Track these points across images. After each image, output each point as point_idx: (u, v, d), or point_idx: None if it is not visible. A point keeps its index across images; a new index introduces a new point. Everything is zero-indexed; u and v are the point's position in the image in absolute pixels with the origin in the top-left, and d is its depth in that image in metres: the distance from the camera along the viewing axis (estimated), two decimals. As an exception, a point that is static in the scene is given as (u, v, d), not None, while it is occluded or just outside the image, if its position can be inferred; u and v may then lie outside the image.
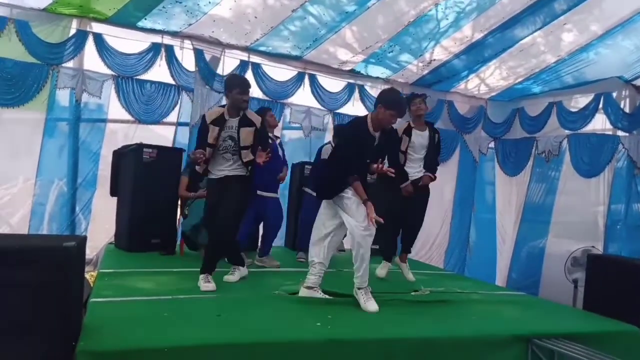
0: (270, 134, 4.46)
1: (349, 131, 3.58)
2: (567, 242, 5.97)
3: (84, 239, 2.54)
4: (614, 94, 5.96)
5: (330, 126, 6.45)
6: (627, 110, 5.92)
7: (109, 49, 5.21)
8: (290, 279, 4.00)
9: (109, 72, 5.28)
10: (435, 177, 4.51)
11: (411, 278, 4.54)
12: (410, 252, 4.74)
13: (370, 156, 3.47)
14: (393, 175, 3.50)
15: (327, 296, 3.50)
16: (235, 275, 3.95)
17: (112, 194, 5.26)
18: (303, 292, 3.49)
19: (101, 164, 5.35)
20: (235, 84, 3.65)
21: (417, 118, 4.42)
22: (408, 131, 4.38)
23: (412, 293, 3.98)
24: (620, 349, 3.26)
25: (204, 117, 3.78)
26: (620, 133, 5.98)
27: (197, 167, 3.88)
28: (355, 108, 6.57)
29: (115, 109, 5.41)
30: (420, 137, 4.40)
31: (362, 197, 3.28)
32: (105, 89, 5.29)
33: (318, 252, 3.50)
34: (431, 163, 4.48)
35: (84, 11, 4.93)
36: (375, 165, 3.47)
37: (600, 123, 6.12)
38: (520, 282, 6.58)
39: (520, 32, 5.44)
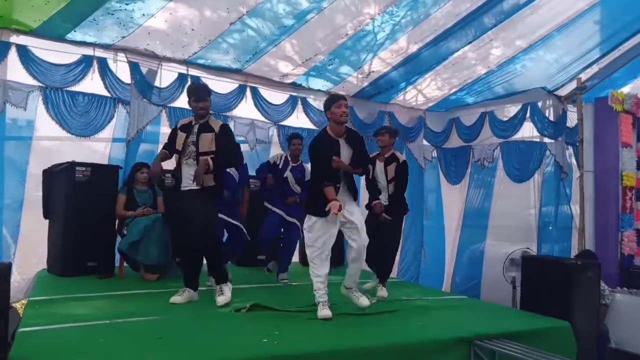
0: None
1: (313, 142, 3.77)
2: (504, 245, 6.22)
3: (8, 266, 2.36)
4: (539, 104, 6.35)
5: (276, 139, 6.41)
6: (551, 118, 6.33)
7: (34, 60, 4.85)
8: (238, 297, 3.90)
9: (35, 82, 4.92)
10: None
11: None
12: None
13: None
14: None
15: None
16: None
17: (45, 216, 4.95)
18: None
19: (29, 184, 4.98)
20: (190, 92, 3.83)
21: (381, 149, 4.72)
22: (372, 160, 4.63)
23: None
24: (555, 344, 3.47)
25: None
26: (547, 140, 6.37)
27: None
28: (299, 120, 6.57)
29: (46, 126, 5.06)
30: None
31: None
32: (32, 101, 4.91)
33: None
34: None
35: (4, 22, 4.62)
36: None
37: (528, 131, 6.48)
38: (463, 285, 6.81)
39: (453, 44, 5.69)
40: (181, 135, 3.73)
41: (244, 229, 4.77)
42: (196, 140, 3.68)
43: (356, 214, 3.68)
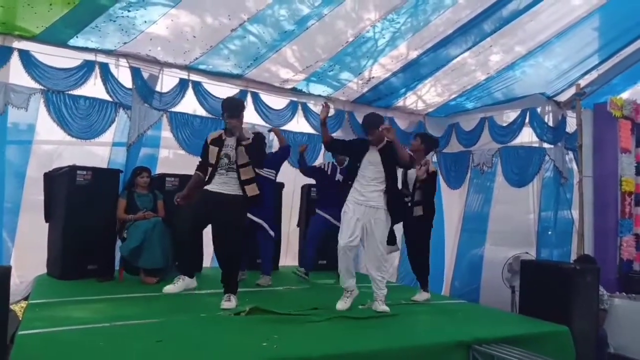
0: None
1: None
2: (503, 249, 6.20)
3: (7, 269, 2.39)
4: (539, 109, 6.36)
5: (276, 143, 6.43)
6: (550, 124, 6.34)
7: (36, 64, 4.88)
8: (238, 300, 3.90)
9: (37, 86, 4.93)
10: None
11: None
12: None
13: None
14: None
15: None
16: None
17: (47, 219, 4.96)
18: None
19: (29, 187, 4.99)
20: (223, 107, 3.88)
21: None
22: None
23: (360, 307, 4.02)
24: (553, 349, 3.48)
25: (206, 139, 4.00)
26: (546, 145, 6.38)
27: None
28: (300, 125, 6.60)
29: (47, 130, 5.08)
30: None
31: None
32: (33, 104, 4.91)
33: None
34: None
35: (7, 29, 4.66)
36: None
37: (527, 136, 6.50)
38: (462, 290, 6.79)
39: (452, 51, 5.72)
40: (213, 149, 3.85)
41: (269, 229, 4.99)
42: (234, 153, 3.78)
43: (376, 228, 3.86)
